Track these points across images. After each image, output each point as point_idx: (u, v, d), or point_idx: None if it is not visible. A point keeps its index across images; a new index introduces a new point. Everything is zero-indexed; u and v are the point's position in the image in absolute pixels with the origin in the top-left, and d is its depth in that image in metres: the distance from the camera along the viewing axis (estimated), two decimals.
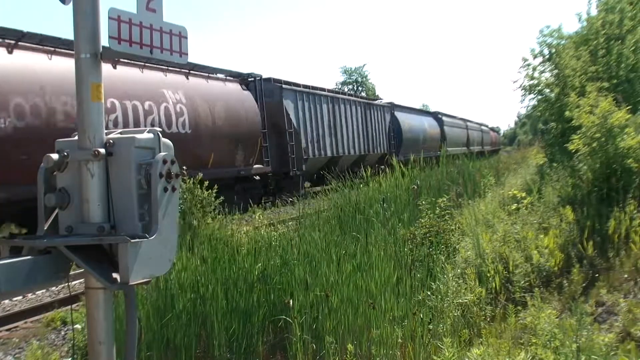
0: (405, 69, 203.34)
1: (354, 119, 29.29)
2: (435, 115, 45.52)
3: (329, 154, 26.03)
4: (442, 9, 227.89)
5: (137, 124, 14.29)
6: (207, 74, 19.13)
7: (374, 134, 32.07)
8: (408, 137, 35.75)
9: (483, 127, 67.08)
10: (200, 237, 8.77)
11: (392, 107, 36.19)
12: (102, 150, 2.29)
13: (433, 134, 41.04)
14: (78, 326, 6.63)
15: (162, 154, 2.37)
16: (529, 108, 19.25)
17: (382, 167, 26.50)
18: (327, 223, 9.52)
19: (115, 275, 2.23)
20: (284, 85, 23.48)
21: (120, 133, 2.41)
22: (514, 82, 15.89)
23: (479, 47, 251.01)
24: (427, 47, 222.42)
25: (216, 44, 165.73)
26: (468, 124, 55.05)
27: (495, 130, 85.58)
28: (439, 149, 34.54)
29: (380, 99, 36.87)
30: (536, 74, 15.34)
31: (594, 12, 15.19)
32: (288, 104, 23.22)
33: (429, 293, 6.30)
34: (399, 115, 36.36)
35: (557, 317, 5.46)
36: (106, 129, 2.39)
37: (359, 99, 31.79)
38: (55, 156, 2.29)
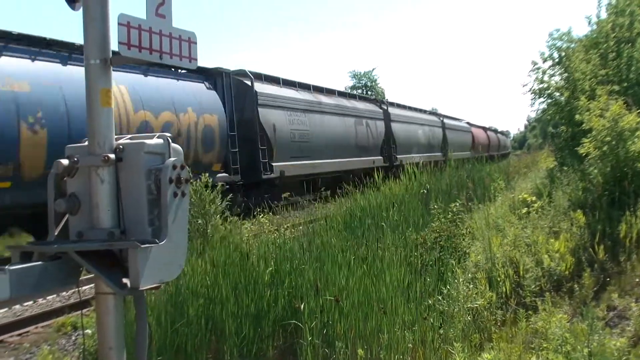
0: (415, 74, 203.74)
1: None
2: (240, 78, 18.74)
3: None
4: (452, 14, 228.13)
5: None
6: None
7: None
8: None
9: (450, 122, 43.80)
10: (212, 241, 8.77)
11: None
12: (112, 156, 2.29)
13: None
14: (88, 331, 6.62)
15: (172, 159, 2.37)
16: (539, 112, 19.01)
17: None
18: (336, 227, 9.51)
19: (125, 280, 2.23)
20: None
21: (130, 138, 2.41)
22: (524, 85, 15.77)
23: (488, 51, 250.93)
24: (437, 52, 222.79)
25: (223, 45, 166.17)
26: (391, 111, 30.96)
27: (500, 132, 72.36)
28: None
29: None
30: (546, 78, 15.22)
31: (603, 15, 15.05)
32: None
33: (439, 297, 6.28)
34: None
35: (568, 322, 5.43)
36: None
37: None
38: (65, 162, 2.30)
